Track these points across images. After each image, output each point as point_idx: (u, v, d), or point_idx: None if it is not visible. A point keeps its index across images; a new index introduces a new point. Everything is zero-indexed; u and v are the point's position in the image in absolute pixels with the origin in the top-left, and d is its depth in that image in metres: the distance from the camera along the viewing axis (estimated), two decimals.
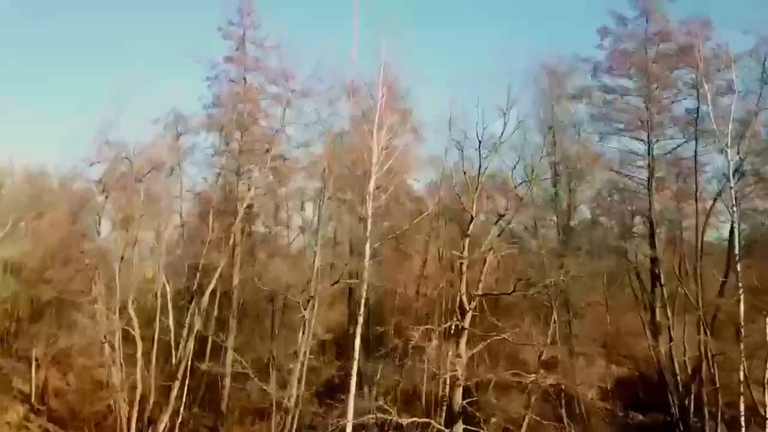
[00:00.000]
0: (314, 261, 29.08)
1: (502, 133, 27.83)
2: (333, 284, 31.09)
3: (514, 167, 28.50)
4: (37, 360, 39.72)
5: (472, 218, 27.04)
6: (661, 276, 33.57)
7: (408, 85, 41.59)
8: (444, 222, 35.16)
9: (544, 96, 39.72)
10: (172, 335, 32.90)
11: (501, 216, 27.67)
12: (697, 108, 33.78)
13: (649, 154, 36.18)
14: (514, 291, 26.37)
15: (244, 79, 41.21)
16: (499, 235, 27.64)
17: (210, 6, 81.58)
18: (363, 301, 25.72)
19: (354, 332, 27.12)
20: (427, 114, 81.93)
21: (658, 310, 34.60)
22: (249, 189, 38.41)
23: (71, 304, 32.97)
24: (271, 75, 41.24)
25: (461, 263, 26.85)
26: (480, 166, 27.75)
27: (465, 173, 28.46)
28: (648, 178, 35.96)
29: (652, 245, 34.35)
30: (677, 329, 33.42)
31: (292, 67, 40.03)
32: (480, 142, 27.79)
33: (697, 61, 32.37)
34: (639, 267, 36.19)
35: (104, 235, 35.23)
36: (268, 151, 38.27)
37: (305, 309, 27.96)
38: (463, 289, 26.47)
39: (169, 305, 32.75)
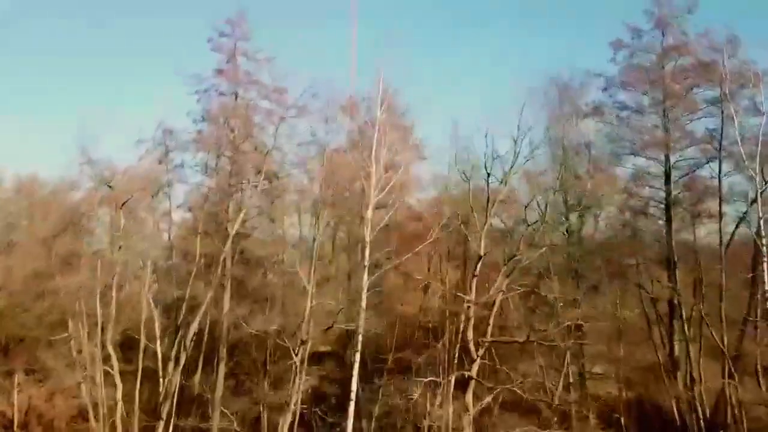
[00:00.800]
0: (308, 302, 26.67)
1: (513, 165, 25.53)
2: (327, 329, 28.77)
3: (527, 206, 25.93)
4: (19, 384, 37.46)
5: (480, 258, 24.75)
6: (683, 313, 31.07)
7: (409, 101, 39.63)
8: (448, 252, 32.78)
9: (553, 114, 37.35)
10: (160, 370, 30.65)
11: (512, 257, 25.33)
12: (721, 128, 31.47)
13: (667, 180, 33.79)
14: (527, 340, 24.09)
15: (235, 93, 38.86)
16: (509, 275, 25.25)
17: (201, 14, 78.73)
18: (359, 349, 23.38)
19: (351, 374, 24.93)
20: (430, 130, 79.88)
21: (677, 345, 32.30)
22: (240, 210, 36.09)
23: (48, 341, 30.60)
24: (263, 90, 38.91)
25: (468, 306, 24.53)
26: (488, 200, 25.37)
27: (472, 208, 26.04)
28: (665, 203, 33.64)
29: (671, 277, 31.91)
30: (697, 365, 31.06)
31: (286, 82, 38.09)
32: (489, 174, 25.50)
33: (721, 78, 30.20)
34: (655, 295, 33.69)
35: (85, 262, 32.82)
36: (259, 172, 35.99)
37: (296, 354, 25.63)
38: (470, 335, 24.18)
39: (158, 342, 30.39)
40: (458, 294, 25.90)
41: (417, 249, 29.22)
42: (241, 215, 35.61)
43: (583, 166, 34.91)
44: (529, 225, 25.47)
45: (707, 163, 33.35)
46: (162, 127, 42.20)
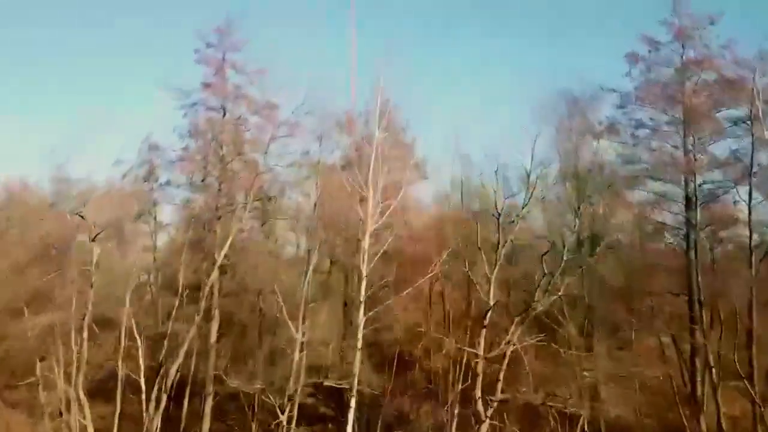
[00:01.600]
0: (296, 353, 24.05)
1: (526, 203, 22.92)
2: (316, 383, 26.21)
3: (544, 255, 23.27)
4: None
5: (490, 308, 22.23)
6: (710, 358, 28.29)
7: (409, 116, 37.17)
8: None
9: (563, 130, 34.87)
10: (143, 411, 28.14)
11: (527, 307, 22.69)
12: (752, 152, 28.96)
13: (688, 205, 31.23)
14: (543, 403, 21.59)
15: (224, 108, 36.33)
16: (522, 322, 22.66)
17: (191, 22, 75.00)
18: (352, 405, 20.87)
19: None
20: (431, 136, 76.61)
21: (699, 386, 29.69)
22: (229, 235, 33.55)
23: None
24: (254, 105, 36.37)
25: (476, 362, 22.00)
26: (499, 243, 22.84)
27: (480, 248, 23.43)
28: (686, 231, 31.11)
29: (695, 319, 29.18)
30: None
31: (279, 96, 35.63)
32: (499, 215, 22.92)
33: (752, 97, 27.73)
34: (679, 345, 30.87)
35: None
36: (247, 194, 33.50)
37: (283, 413, 23.09)
38: (479, 393, 21.67)
39: (141, 380, 27.81)
40: (465, 348, 23.40)
41: (417, 283, 26.73)
42: (229, 241, 33.10)
43: (598, 194, 32.26)
44: (546, 274, 22.77)
45: (734, 187, 30.67)
46: (148, 141, 40.44)
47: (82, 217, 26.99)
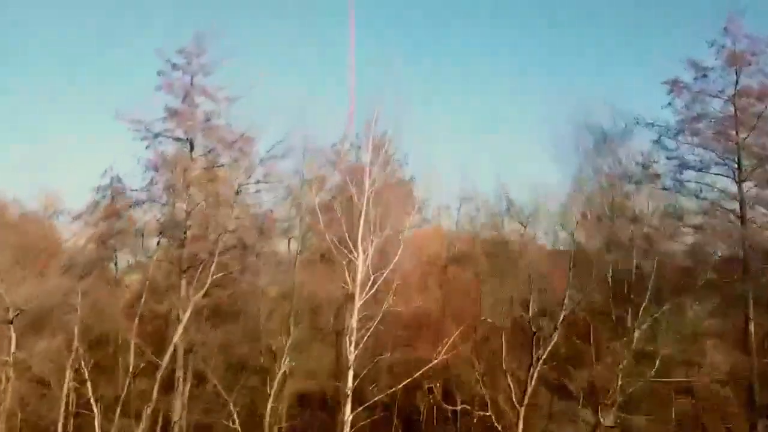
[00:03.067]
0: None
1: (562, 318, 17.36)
2: None
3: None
4: None
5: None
6: None
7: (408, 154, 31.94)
8: None
9: (590, 167, 29.54)
10: None
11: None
12: None
13: (745, 270, 25.74)
14: None
15: (189, 141, 30.97)
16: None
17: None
18: None
19: None
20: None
21: None
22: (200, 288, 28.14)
23: None
24: (226, 137, 31.03)
25: None
26: (534, 339, 17.22)
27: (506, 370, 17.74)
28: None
29: None
30: None
31: (255, 128, 30.38)
32: (534, 333, 17.40)
33: None
34: None
35: None
36: (216, 241, 28.02)
37: None
38: None
39: None
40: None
41: (416, 374, 21.49)
42: (197, 296, 27.75)
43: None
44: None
45: None
46: (109, 176, 35.01)
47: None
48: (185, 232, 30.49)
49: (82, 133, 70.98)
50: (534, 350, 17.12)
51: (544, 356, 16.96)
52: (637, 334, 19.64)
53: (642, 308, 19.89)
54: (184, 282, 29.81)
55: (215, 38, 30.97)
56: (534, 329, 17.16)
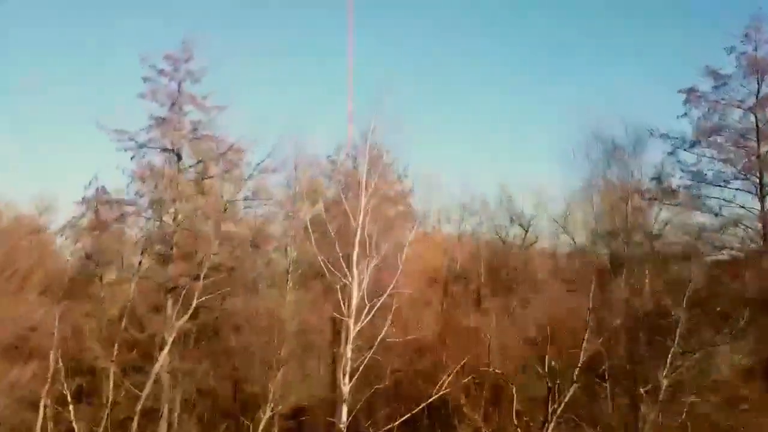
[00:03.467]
0: None
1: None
2: None
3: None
4: None
5: None
6: None
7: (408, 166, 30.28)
8: None
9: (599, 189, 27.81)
10: None
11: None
12: None
13: None
14: None
15: (176, 153, 29.24)
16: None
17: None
18: None
19: None
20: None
21: None
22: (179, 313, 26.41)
23: None
24: (215, 148, 29.31)
25: None
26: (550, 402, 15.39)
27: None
28: None
29: None
30: None
31: (246, 139, 28.70)
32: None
33: None
34: None
35: None
36: (201, 263, 26.25)
37: None
38: None
39: None
40: None
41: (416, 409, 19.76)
42: (179, 322, 26.05)
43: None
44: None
45: None
46: (95, 185, 33.25)
47: None
48: (172, 249, 28.93)
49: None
50: (549, 404, 15.33)
51: (560, 410, 15.18)
52: (665, 383, 17.73)
53: (670, 354, 17.90)
54: (170, 302, 28.16)
55: (205, 44, 29.53)
56: (549, 385, 15.36)
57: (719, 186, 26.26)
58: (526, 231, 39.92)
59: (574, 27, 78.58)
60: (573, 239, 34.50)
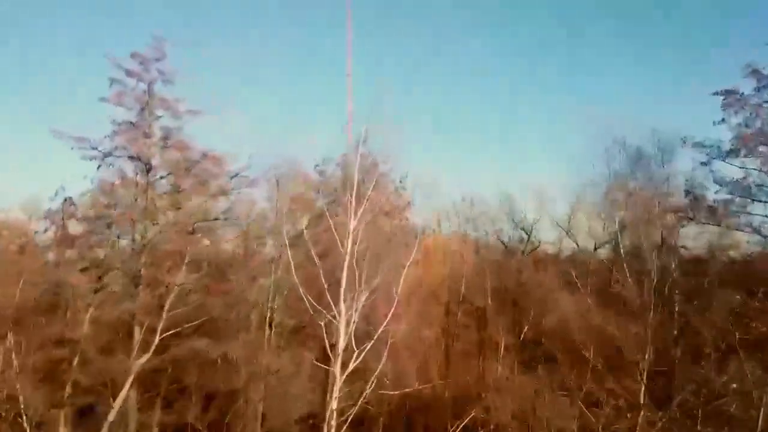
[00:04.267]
0: None
1: None
2: None
3: None
4: None
5: None
6: None
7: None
8: None
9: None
10: None
11: None
12: None
13: None
14: None
15: (146, 162, 25.95)
16: None
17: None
18: None
19: None
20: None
21: None
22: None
23: None
24: (188, 157, 26.06)
25: None
26: None
27: None
28: None
29: None
30: None
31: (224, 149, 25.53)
32: None
33: None
34: None
35: None
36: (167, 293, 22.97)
37: None
38: None
39: None
40: None
41: None
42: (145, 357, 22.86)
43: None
44: None
45: None
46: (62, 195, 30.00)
47: None
48: (140, 271, 25.64)
49: None
50: None
51: None
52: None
53: None
54: (137, 331, 24.85)
55: (178, 43, 26.36)
56: None
57: (763, 201, 22.90)
58: (529, 235, 38.44)
59: (574, 27, 75.41)
60: (576, 243, 32.48)
